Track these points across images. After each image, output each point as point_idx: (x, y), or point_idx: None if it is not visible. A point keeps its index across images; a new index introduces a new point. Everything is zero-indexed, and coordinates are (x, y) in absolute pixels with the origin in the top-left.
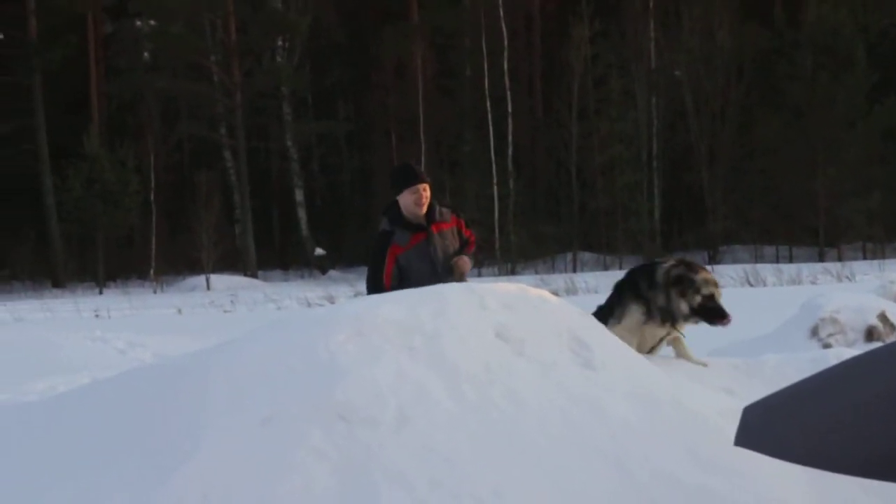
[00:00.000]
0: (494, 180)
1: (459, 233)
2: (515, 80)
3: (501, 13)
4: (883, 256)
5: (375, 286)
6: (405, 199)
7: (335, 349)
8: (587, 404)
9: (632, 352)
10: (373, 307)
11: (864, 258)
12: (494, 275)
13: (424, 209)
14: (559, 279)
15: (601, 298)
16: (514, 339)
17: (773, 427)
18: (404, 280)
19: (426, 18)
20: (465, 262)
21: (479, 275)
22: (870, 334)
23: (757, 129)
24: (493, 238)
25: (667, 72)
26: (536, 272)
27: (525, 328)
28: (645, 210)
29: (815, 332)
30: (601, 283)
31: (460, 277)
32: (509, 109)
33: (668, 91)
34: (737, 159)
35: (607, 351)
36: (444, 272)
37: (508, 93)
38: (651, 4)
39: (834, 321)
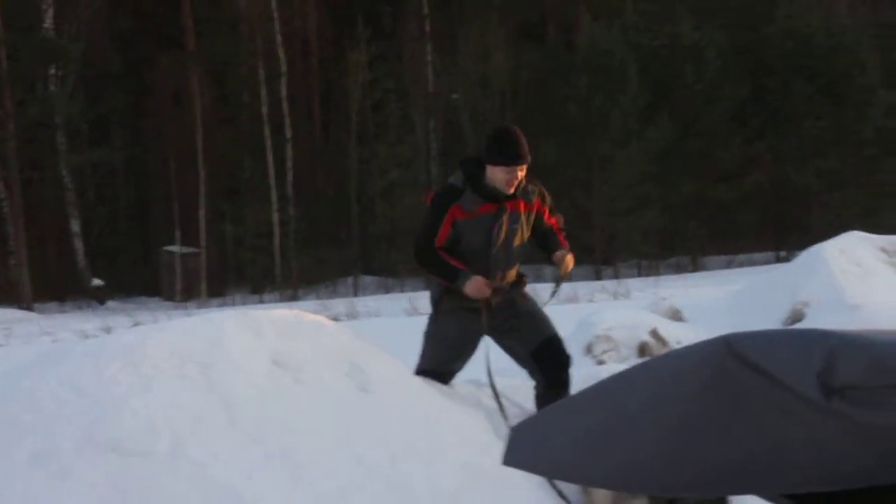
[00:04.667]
0: (274, 206)
1: (539, 218)
2: (294, 105)
3: (279, 39)
4: (657, 273)
5: (425, 245)
6: (495, 174)
7: (107, 380)
8: (366, 429)
9: (409, 375)
10: (147, 336)
11: (640, 275)
12: (276, 300)
13: (512, 191)
14: (340, 304)
15: (383, 322)
16: (292, 365)
17: (538, 445)
18: (457, 245)
19: (202, 45)
20: (570, 260)
21: (261, 301)
22: (642, 350)
23: (534, 150)
24: (274, 264)
25: (444, 95)
26: (318, 297)
27: (302, 354)
28: None
29: (589, 349)
30: (382, 306)
31: (565, 275)
32: (288, 135)
33: (445, 114)
34: None
35: (384, 375)
36: (500, 252)
37: (287, 119)
38: (427, 28)
39: (607, 338)
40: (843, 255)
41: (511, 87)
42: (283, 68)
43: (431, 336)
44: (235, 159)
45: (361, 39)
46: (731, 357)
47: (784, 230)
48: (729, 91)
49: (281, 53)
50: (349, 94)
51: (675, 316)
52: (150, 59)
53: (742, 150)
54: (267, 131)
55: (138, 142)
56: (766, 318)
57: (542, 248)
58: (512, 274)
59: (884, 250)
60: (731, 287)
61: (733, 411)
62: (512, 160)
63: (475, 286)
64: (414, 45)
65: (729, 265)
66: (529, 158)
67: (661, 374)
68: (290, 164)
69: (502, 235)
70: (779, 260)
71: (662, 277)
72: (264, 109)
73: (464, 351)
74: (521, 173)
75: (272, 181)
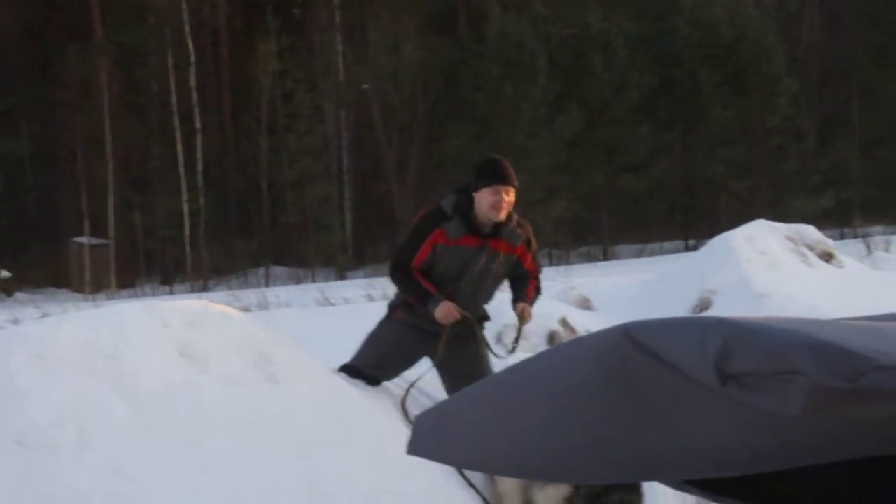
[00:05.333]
0: (184, 196)
1: (518, 262)
2: (203, 96)
3: (187, 29)
4: (568, 262)
5: (403, 264)
6: (483, 198)
7: (12, 372)
8: (274, 420)
9: (318, 365)
10: (52, 328)
11: (551, 264)
12: (187, 291)
13: (503, 216)
14: (252, 294)
15: (294, 313)
16: (199, 356)
17: (443, 434)
18: (430, 270)
19: (110, 36)
20: (529, 314)
21: (172, 292)
22: (552, 339)
23: (445, 141)
24: (185, 255)
25: (354, 85)
26: (229, 288)
27: (209, 345)
28: (336, 223)
29: (499, 338)
30: (293, 297)
31: (522, 327)
32: (198, 126)
33: (356, 104)
34: (426, 171)
35: (292, 365)
36: (468, 286)
37: (196, 109)
38: (337, 19)
39: (517, 327)
40: (750, 244)
41: (422, 77)
42: (192, 58)
43: (372, 336)
44: (144, 149)
45: (271, 30)
46: (630, 345)
47: (693, 219)
48: (637, 81)
49: (190, 43)
50: (259, 84)
51: (585, 304)
52: (57, 50)
53: (651, 140)
54: (176, 121)
55: (46, 132)
56: (674, 306)
57: (511, 291)
58: (476, 311)
59: (790, 239)
60: (640, 276)
61: (632, 399)
62: (498, 179)
63: (445, 311)
64: (324, 35)
65: (639, 254)
66: (517, 184)
67: (562, 363)
68: (199, 154)
69: (476, 271)
70: (688, 248)
71: (573, 266)
72: (173, 99)
73: (395, 365)
74: (508, 197)
75: (182, 171)
